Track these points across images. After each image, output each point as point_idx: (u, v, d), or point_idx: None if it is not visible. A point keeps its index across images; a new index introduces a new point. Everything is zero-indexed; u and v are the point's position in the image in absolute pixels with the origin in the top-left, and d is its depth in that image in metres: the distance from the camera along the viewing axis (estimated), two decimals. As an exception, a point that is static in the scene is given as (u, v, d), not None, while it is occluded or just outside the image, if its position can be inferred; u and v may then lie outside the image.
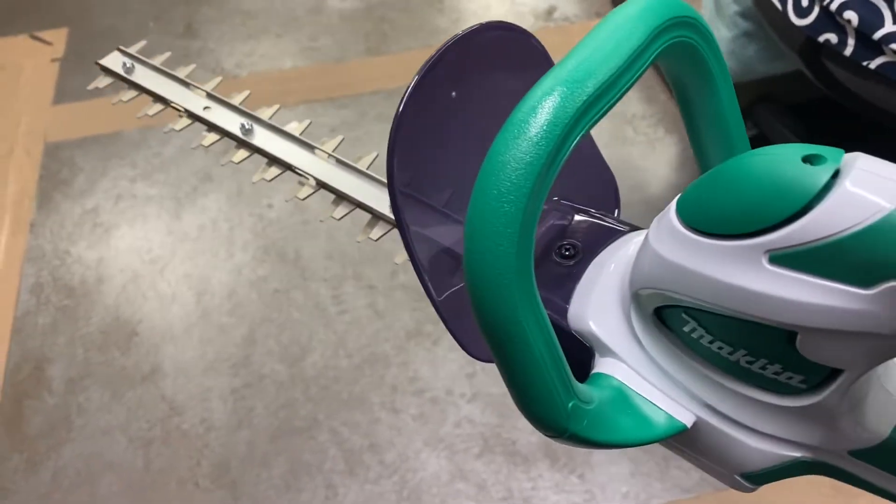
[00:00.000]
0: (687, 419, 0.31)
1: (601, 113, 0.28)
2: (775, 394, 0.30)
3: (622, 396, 0.32)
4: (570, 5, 1.69)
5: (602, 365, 0.33)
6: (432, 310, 0.42)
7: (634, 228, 0.37)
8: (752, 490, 0.33)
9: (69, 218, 1.42)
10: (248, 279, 1.31)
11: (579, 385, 0.30)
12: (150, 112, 0.62)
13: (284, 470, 1.10)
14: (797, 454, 0.31)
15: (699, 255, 0.28)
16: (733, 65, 1.16)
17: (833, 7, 0.88)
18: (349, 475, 1.09)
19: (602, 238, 0.36)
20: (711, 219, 0.27)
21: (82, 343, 1.26)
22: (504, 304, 0.27)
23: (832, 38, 0.89)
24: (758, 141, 1.36)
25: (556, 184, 0.28)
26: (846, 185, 0.25)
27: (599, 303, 0.34)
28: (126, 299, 1.30)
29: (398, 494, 1.06)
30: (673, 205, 0.29)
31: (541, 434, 0.30)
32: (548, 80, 0.27)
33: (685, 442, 0.33)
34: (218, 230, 1.37)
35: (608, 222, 0.38)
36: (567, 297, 0.35)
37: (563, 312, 0.35)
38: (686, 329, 0.30)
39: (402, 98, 0.34)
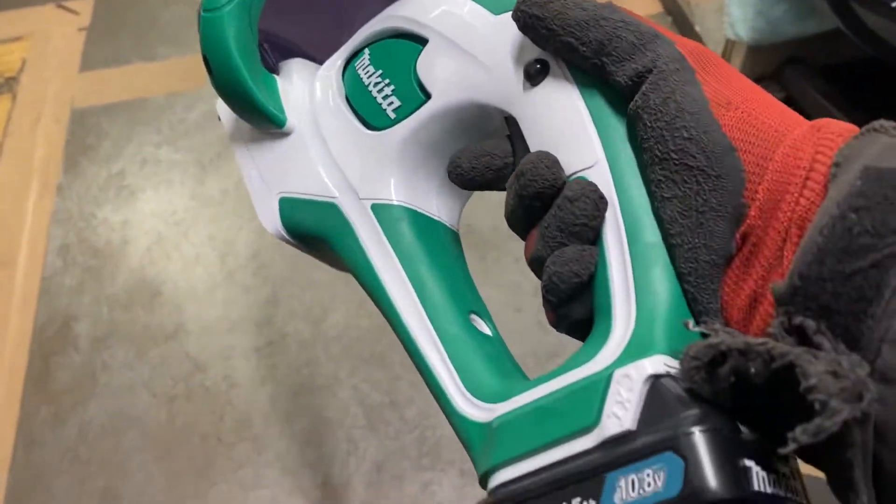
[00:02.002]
0: (291, 122, 0.33)
1: None
2: (364, 123, 0.32)
3: (269, 80, 0.34)
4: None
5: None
6: None
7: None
8: (282, 238, 0.34)
9: (95, 182, 1.43)
10: (270, 241, 1.31)
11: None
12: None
13: (306, 426, 1.11)
14: (335, 194, 0.32)
15: None
16: (762, 25, 1.14)
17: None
18: (370, 431, 1.09)
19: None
20: None
21: (107, 302, 1.27)
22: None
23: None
24: (787, 103, 1.34)
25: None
26: None
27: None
28: (150, 261, 1.32)
29: (418, 450, 1.07)
30: None
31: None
32: None
33: (269, 142, 0.34)
34: (241, 194, 1.38)
35: None
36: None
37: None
38: (356, 64, 0.33)
39: None
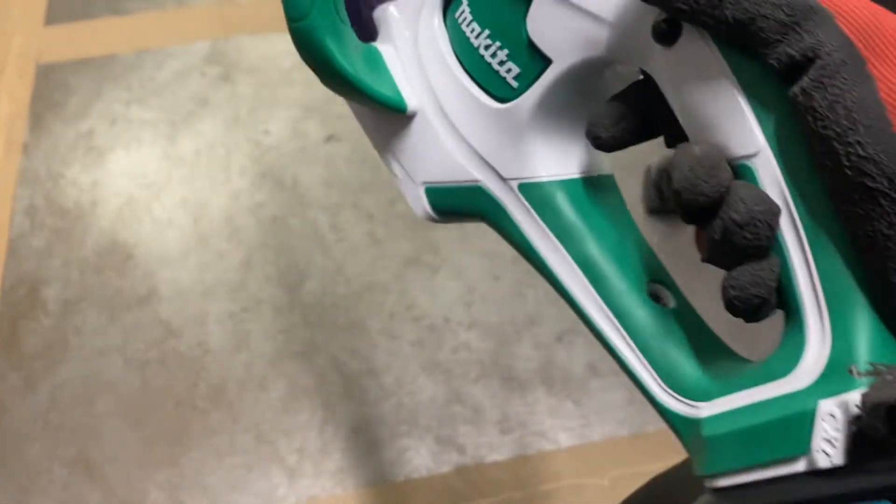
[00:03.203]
0: (413, 103, 0.31)
1: None
2: (488, 94, 0.30)
3: (375, 56, 0.32)
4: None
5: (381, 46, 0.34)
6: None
7: None
8: (436, 221, 0.33)
9: (63, 141, 1.39)
10: (245, 205, 1.29)
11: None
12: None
13: (283, 393, 1.10)
14: (477, 176, 0.30)
15: None
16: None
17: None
18: (347, 398, 1.09)
19: None
20: None
21: (77, 265, 1.24)
22: None
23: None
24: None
25: None
26: None
27: None
28: (121, 223, 1.29)
29: (395, 416, 1.07)
30: None
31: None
32: None
33: (398, 130, 0.32)
34: (215, 155, 1.35)
35: None
36: None
37: None
38: (457, 16, 0.30)
39: None
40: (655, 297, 0.29)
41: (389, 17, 0.33)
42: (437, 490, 1.01)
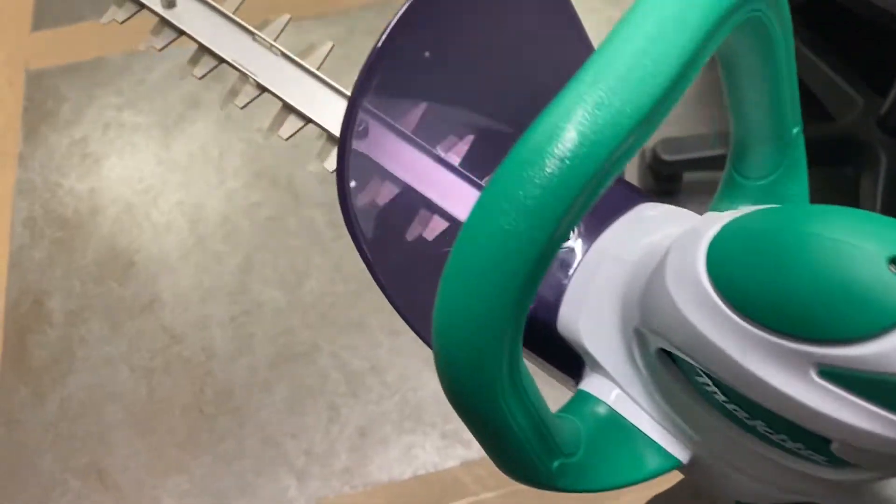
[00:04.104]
0: (683, 455, 0.28)
1: (637, 149, 0.20)
2: (792, 457, 0.25)
3: (612, 427, 0.28)
4: None
5: (591, 382, 0.29)
6: None
7: (641, 194, 0.31)
8: None
9: (57, 149, 1.39)
10: (241, 206, 1.29)
11: (564, 433, 0.26)
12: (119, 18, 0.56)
13: (287, 394, 1.11)
14: (802, 500, 0.27)
15: (731, 335, 0.22)
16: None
17: None
18: (351, 397, 1.10)
19: (604, 212, 0.30)
20: (755, 301, 0.22)
21: (79, 275, 1.25)
22: (484, 399, 0.22)
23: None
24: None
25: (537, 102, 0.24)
26: None
27: (595, 309, 0.28)
28: (120, 230, 1.29)
29: (400, 413, 1.08)
30: (702, 253, 0.23)
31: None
32: (566, 110, 0.19)
33: (678, 470, 0.29)
34: (208, 157, 1.35)
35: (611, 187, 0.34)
36: (559, 292, 0.29)
37: (554, 310, 0.30)
38: (699, 380, 0.25)
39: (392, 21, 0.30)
40: None
41: (592, 351, 0.28)
42: (444, 485, 1.03)
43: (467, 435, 1.09)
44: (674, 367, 0.26)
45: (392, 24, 0.29)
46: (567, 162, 0.18)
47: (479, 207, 0.20)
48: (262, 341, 1.16)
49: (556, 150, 0.18)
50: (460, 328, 0.21)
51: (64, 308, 1.22)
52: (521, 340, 0.22)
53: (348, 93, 0.44)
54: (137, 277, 1.24)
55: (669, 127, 1.18)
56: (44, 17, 1.57)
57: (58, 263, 1.27)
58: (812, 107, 1.23)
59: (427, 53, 0.31)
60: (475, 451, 1.04)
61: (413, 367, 1.11)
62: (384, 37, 0.29)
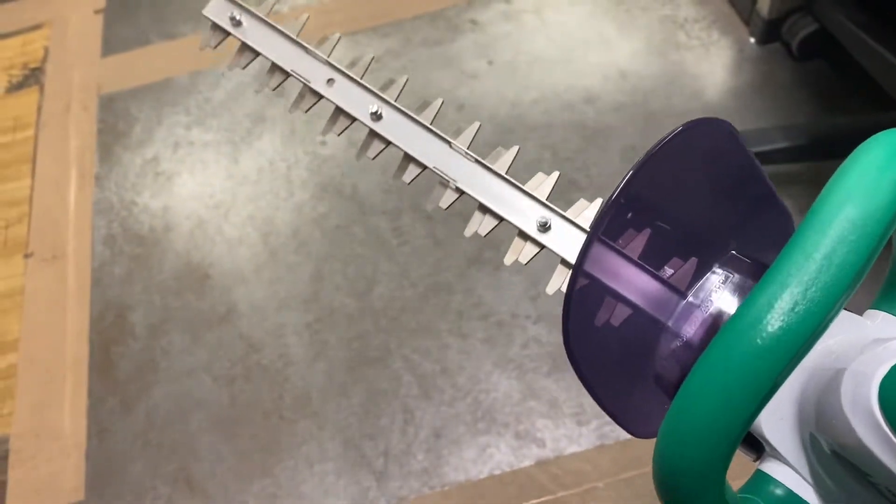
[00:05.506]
0: None
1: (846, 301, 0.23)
2: None
3: None
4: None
5: (770, 465, 0.31)
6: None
7: None
8: None
9: (131, 169, 1.45)
10: (309, 217, 1.33)
11: None
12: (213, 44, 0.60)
13: (363, 398, 1.14)
14: None
15: None
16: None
17: None
18: (425, 399, 1.13)
19: None
20: None
21: (158, 290, 1.31)
22: None
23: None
24: (817, 36, 1.30)
25: (730, 230, 0.26)
26: None
27: (775, 402, 0.30)
28: (195, 245, 1.34)
29: (473, 415, 1.10)
30: (874, 391, 0.25)
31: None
32: (790, 274, 0.23)
33: None
34: (276, 170, 1.39)
35: None
36: None
37: None
38: (870, 479, 0.27)
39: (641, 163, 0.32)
40: None
41: (772, 440, 0.31)
42: (520, 484, 1.05)
43: (541, 434, 1.11)
44: (847, 463, 0.28)
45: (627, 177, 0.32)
46: (784, 326, 0.23)
47: (722, 336, 0.23)
48: (336, 347, 1.19)
49: (775, 310, 0.23)
50: (692, 446, 0.24)
51: (145, 321, 1.28)
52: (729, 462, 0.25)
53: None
54: (213, 290, 1.29)
55: (729, 121, 1.19)
56: (112, 44, 1.64)
57: (137, 278, 1.33)
58: (873, 92, 1.22)
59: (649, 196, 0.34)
60: (549, 450, 1.06)
61: (483, 369, 1.14)
62: (620, 187, 0.32)
